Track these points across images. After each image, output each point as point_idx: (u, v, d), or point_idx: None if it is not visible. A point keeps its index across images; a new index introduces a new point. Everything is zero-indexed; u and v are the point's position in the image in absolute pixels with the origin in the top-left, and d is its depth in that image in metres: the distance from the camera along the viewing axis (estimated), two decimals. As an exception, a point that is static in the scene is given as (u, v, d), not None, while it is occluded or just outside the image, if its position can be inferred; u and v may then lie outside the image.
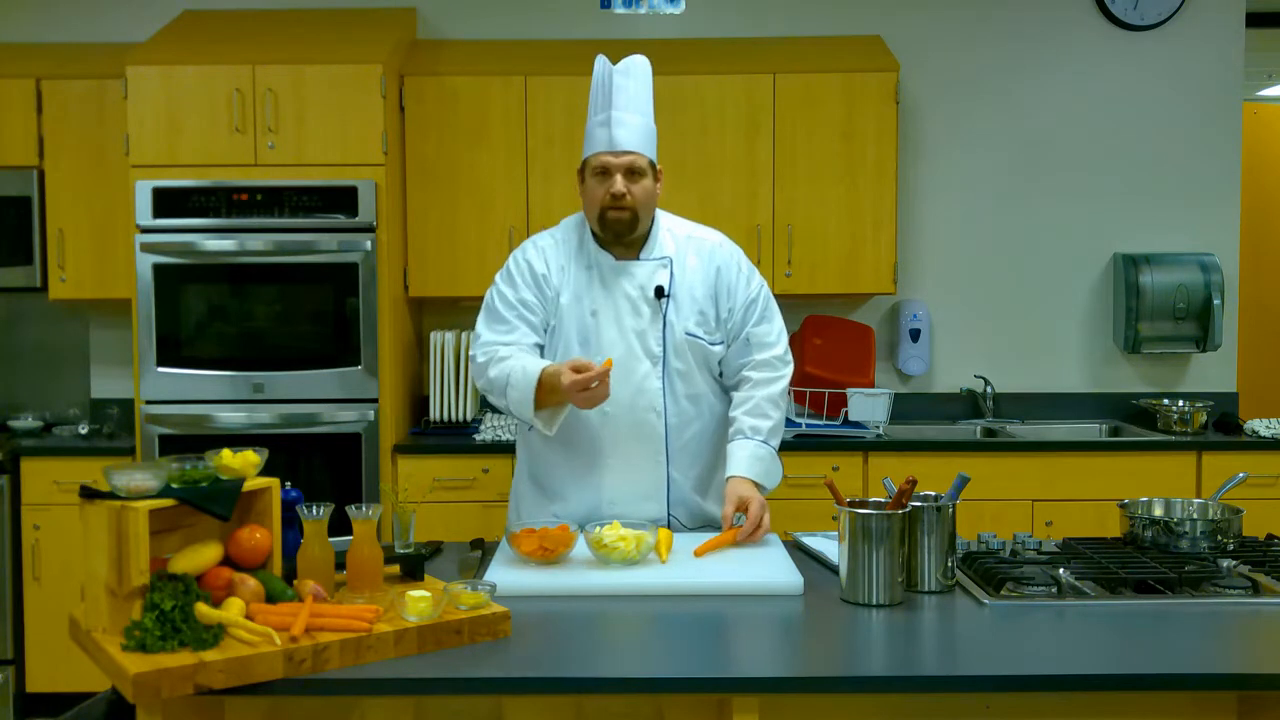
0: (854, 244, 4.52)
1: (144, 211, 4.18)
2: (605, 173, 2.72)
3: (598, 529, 2.50)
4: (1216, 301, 4.67)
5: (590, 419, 2.77)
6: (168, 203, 4.18)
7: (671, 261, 2.81)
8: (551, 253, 2.84)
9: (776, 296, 3.01)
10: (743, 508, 2.67)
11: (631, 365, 2.76)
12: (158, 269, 4.19)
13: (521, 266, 2.83)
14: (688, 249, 2.84)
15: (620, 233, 2.76)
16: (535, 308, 2.81)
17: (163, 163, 4.19)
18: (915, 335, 4.78)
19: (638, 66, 2.79)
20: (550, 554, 2.46)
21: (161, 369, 4.21)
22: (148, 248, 4.18)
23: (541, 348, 2.82)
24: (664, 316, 2.78)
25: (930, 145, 4.86)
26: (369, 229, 4.20)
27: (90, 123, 4.48)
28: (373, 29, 4.56)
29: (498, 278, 2.87)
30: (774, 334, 2.88)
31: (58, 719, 2.51)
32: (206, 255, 4.20)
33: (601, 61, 2.80)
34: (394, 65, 4.39)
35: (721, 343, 2.84)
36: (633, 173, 2.72)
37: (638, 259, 2.81)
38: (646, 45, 4.70)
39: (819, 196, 4.50)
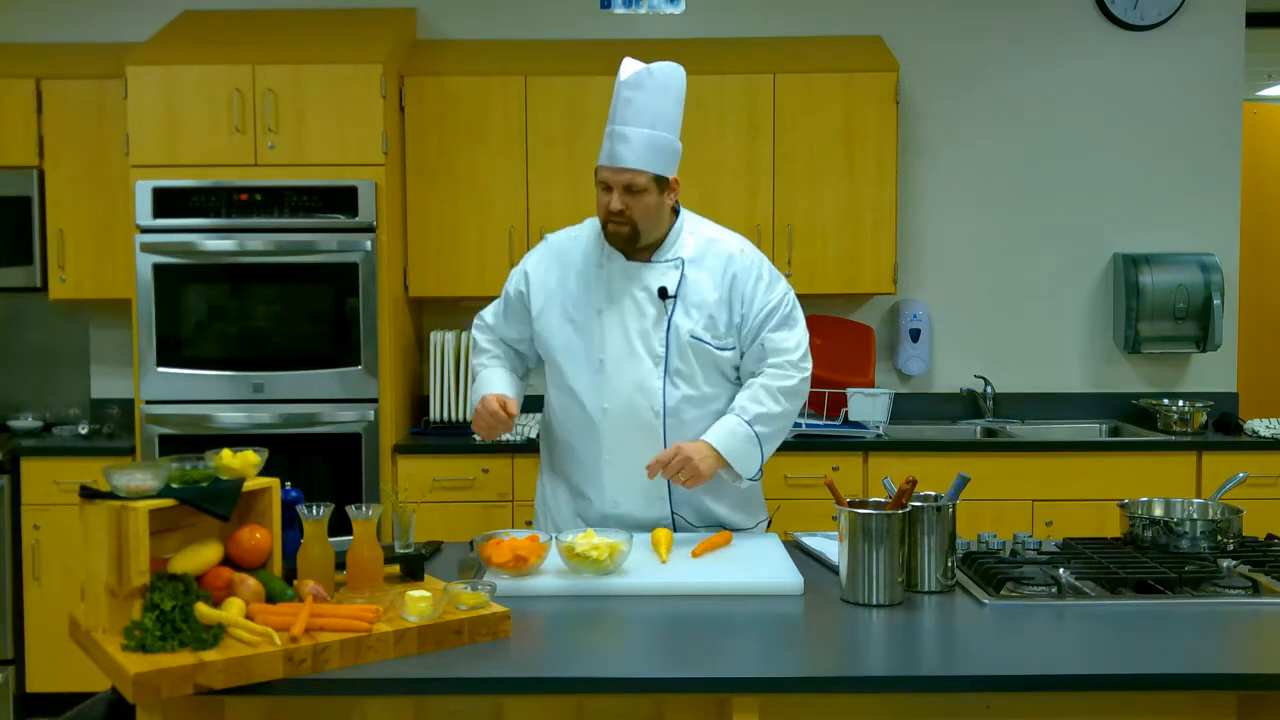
0: (854, 244, 4.52)
1: (144, 211, 4.18)
2: (607, 187, 2.73)
3: (570, 537, 2.43)
4: (1216, 301, 4.66)
5: (591, 416, 2.78)
6: (168, 203, 4.18)
7: (684, 264, 2.79)
8: (559, 259, 2.86)
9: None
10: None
11: (632, 364, 2.76)
12: (158, 269, 4.19)
13: (517, 279, 2.91)
14: (707, 252, 2.82)
15: (619, 246, 2.77)
16: (511, 334, 2.93)
17: (163, 163, 4.19)
18: (915, 335, 4.78)
19: (653, 79, 2.70)
20: (523, 564, 2.39)
21: (161, 369, 4.21)
22: (148, 248, 4.18)
23: (518, 353, 2.95)
24: (669, 318, 2.77)
25: (930, 145, 4.86)
26: (369, 229, 4.20)
27: (90, 123, 4.48)
28: (373, 29, 4.56)
29: (513, 272, 2.94)
30: (792, 341, 2.84)
31: (58, 719, 2.51)
32: (206, 255, 4.20)
33: (623, 68, 2.74)
34: (394, 65, 4.39)
35: (733, 348, 2.81)
36: (631, 190, 2.69)
37: (650, 261, 2.80)
38: (646, 45, 4.72)
39: (819, 196, 4.50)
